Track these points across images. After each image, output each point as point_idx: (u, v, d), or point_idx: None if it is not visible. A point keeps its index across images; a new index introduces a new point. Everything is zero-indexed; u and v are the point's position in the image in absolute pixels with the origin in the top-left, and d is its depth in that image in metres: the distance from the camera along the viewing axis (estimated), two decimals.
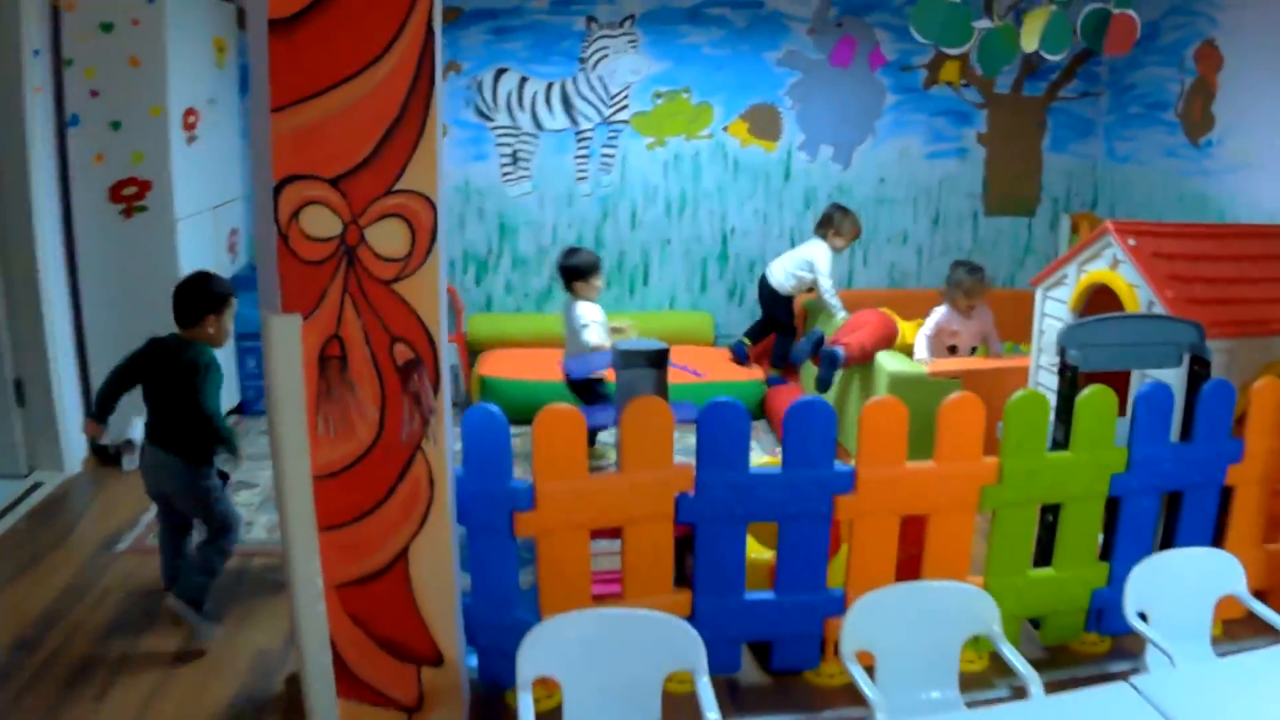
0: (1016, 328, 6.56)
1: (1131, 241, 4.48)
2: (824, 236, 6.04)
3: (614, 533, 3.10)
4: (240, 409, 5.79)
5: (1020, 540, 3.47)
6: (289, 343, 2.31)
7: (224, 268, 5.57)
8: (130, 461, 4.83)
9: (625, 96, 6.34)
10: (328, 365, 2.39)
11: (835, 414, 3.24)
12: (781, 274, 6.02)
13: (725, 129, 6.51)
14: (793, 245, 6.44)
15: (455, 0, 5.97)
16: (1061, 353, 3.95)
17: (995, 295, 6.34)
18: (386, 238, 2.36)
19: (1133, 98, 6.62)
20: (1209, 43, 5.84)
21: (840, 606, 3.24)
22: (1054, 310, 5.00)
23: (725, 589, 3.20)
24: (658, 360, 3.36)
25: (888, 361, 5.12)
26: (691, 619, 2.79)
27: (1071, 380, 3.83)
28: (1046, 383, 5.11)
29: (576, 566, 3.03)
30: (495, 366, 5.80)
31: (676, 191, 6.54)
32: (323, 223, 2.29)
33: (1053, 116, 6.92)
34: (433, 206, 2.40)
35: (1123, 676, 2.27)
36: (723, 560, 3.16)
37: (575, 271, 5.08)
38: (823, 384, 5.25)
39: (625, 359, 3.38)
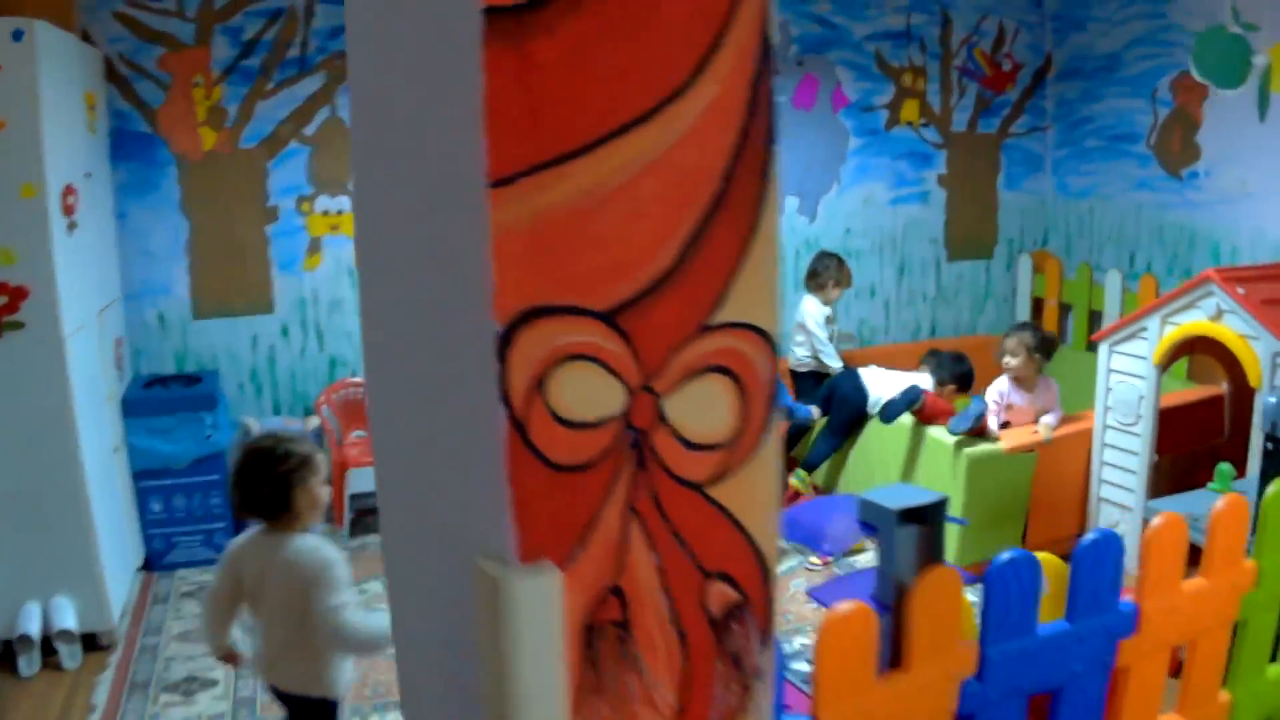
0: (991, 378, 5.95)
1: (1240, 290, 3.90)
2: (811, 290, 5.42)
3: None
4: (147, 564, 4.41)
5: (1264, 642, 2.92)
6: (540, 618, 1.20)
7: (113, 388, 4.21)
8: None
9: None
10: (599, 638, 1.28)
11: (1123, 545, 2.50)
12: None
13: None
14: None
15: None
16: (1272, 428, 3.25)
17: (965, 344, 5.81)
18: (698, 410, 1.26)
19: (1090, 131, 6.14)
20: (1188, 73, 5.37)
21: None
22: (1125, 366, 4.48)
23: None
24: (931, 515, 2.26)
25: (957, 443, 4.40)
26: None
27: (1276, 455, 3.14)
28: (1114, 442, 4.54)
29: None
30: None
31: None
32: (592, 393, 1.18)
33: (1005, 154, 6.35)
34: (771, 349, 1.33)
35: None
36: None
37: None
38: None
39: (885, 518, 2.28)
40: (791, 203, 5.88)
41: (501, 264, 1.12)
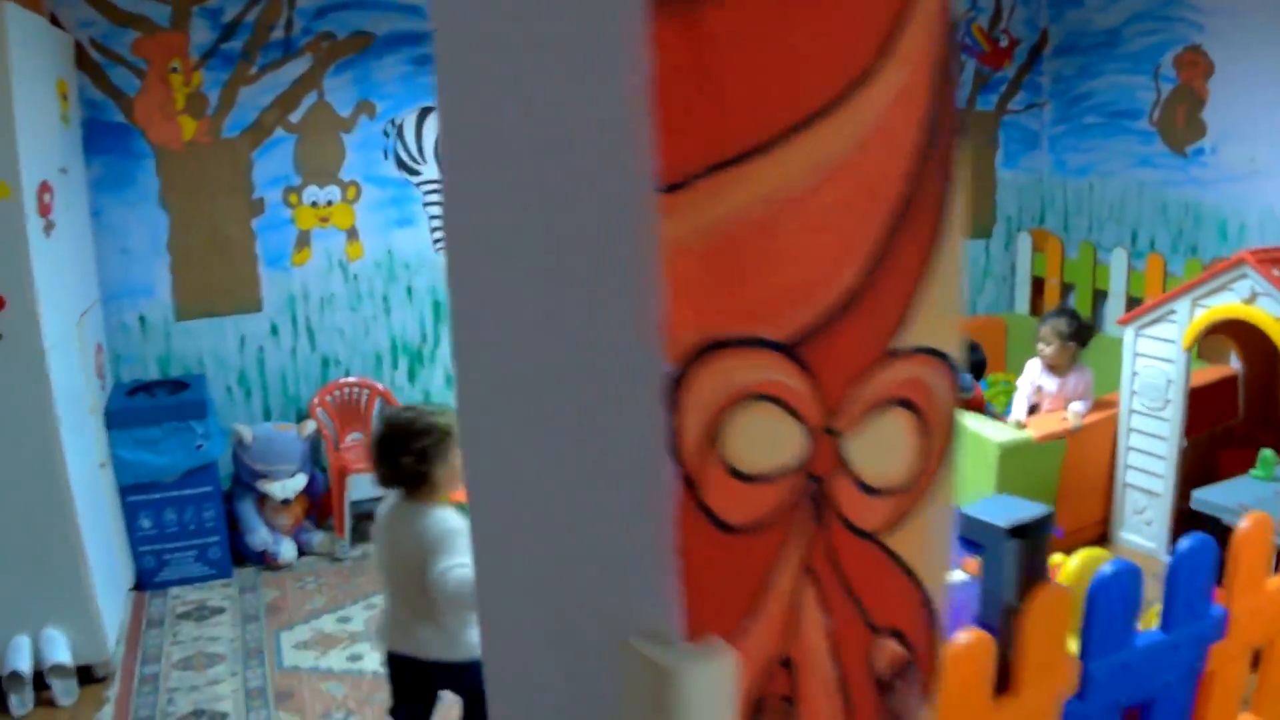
0: (995, 359, 5.79)
1: (1277, 272, 3.77)
2: None
3: None
4: (137, 584, 4.15)
5: None
6: (711, 707, 0.99)
7: (95, 399, 3.94)
8: None
9: None
10: (764, 717, 1.08)
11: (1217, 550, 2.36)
12: None
13: None
14: None
15: (364, 22, 4.54)
16: None
17: (966, 325, 5.63)
18: (879, 450, 1.04)
19: (1088, 108, 5.98)
20: (1194, 49, 5.29)
21: None
22: (1153, 350, 4.37)
23: None
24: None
25: (988, 429, 4.34)
26: None
27: None
28: (1140, 427, 4.46)
29: None
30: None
31: None
32: (771, 440, 0.96)
33: (1003, 131, 6.18)
34: (953, 376, 1.13)
35: None
36: None
37: None
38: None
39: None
40: None
41: (675, 288, 0.90)
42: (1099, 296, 6.00)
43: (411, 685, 2.59)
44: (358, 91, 4.56)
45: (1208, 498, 3.65)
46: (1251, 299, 4.01)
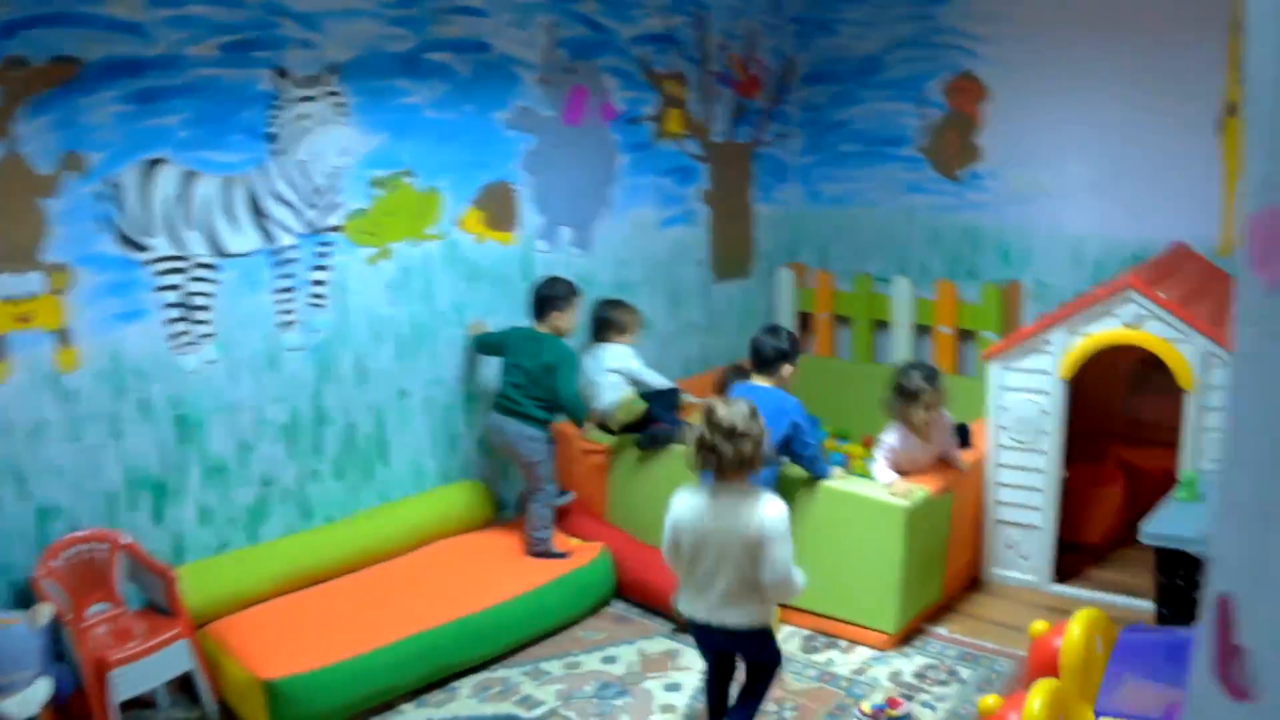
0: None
1: (1163, 294, 3.78)
2: (610, 340, 4.65)
3: None
4: None
5: None
6: None
7: None
8: None
9: (335, 190, 3.96)
10: None
11: None
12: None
13: (458, 222, 4.40)
14: None
15: (67, 45, 3.18)
16: None
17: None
18: None
19: (846, 136, 5.75)
20: (966, 75, 5.18)
21: None
22: (1024, 383, 4.10)
23: None
24: None
25: (876, 492, 3.85)
26: None
27: None
28: (1012, 462, 4.18)
29: None
30: (270, 654, 3.25)
31: (408, 319, 4.30)
32: None
33: (757, 163, 5.77)
34: None
35: None
36: None
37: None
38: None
39: None
40: (565, 233, 4.88)
41: None
42: (877, 328, 5.73)
43: (719, 651, 3.07)
44: (61, 139, 3.18)
45: (1161, 530, 3.31)
46: (1137, 323, 3.79)
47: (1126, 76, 4.75)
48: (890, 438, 3.92)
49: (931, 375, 3.96)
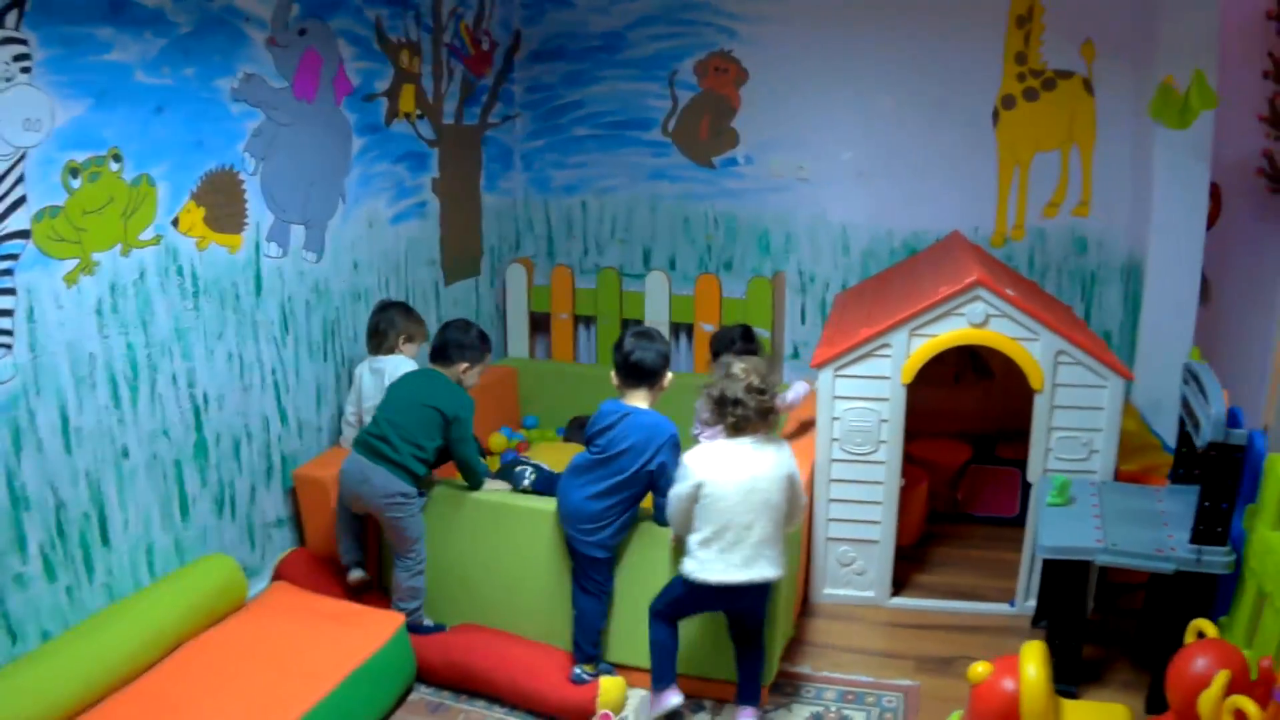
0: (507, 412, 4.71)
1: (1010, 291, 3.63)
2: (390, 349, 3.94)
3: None
4: None
5: None
6: None
7: None
8: None
9: (17, 177, 2.68)
10: None
11: None
12: None
13: (176, 222, 3.23)
14: (282, 394, 3.67)
15: None
16: (1226, 436, 2.94)
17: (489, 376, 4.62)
18: None
19: (579, 119, 5.14)
20: (722, 55, 4.76)
21: None
22: (857, 390, 3.74)
23: None
24: None
25: None
26: None
27: None
28: (844, 475, 3.81)
29: None
30: None
31: (123, 355, 3.09)
32: None
33: (486, 148, 4.99)
34: None
35: None
36: None
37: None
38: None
39: None
40: (298, 234, 3.80)
41: None
42: (629, 328, 5.15)
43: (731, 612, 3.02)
44: None
45: (1059, 543, 3.07)
46: (984, 322, 3.52)
47: (901, 63, 4.57)
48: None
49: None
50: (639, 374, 3.23)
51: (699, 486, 2.87)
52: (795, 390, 3.95)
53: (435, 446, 3.37)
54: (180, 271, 3.25)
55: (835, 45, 4.69)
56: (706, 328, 4.92)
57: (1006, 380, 4.10)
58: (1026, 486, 4.54)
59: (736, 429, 2.90)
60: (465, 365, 3.51)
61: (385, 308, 3.93)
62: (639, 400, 3.24)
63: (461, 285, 4.96)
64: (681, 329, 5.08)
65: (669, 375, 3.29)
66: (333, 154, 3.95)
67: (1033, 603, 3.75)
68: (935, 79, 4.62)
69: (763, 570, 2.89)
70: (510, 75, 5.13)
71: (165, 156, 3.14)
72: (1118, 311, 4.71)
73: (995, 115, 4.61)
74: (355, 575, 3.50)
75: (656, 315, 4.97)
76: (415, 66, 4.38)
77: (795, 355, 5.04)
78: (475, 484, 3.46)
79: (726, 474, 2.87)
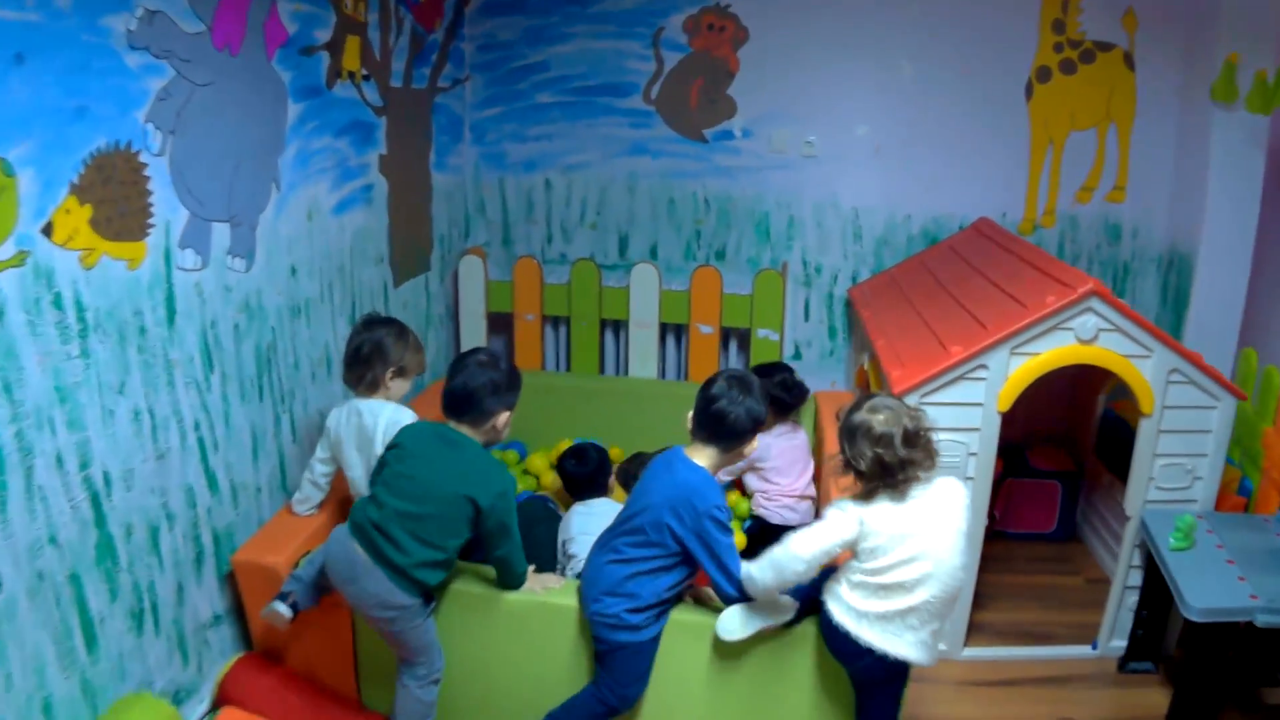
0: None
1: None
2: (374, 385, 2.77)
3: None
4: None
5: None
6: None
7: None
8: None
9: None
10: None
11: None
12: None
13: (49, 229, 2.03)
14: (209, 453, 2.54)
15: None
16: None
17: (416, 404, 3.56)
18: None
19: (542, 84, 4.10)
20: (716, 11, 3.78)
21: None
22: (943, 418, 2.78)
23: None
24: None
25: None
26: None
27: None
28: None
29: None
30: None
31: None
32: None
33: (436, 117, 3.88)
34: None
35: None
36: None
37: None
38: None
39: None
40: (221, 236, 2.62)
41: None
42: (612, 329, 4.13)
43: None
44: None
45: (1208, 604, 2.34)
46: (1094, 338, 2.71)
47: (925, 27, 3.72)
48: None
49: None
50: (714, 429, 2.27)
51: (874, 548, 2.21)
52: None
53: (460, 544, 2.31)
54: (58, 302, 2.06)
55: (850, 3, 3.77)
56: (705, 330, 3.95)
57: None
58: (1068, 501, 3.84)
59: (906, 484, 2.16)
60: (505, 413, 2.40)
61: (371, 325, 2.77)
62: (701, 458, 2.29)
63: (411, 284, 3.83)
64: (670, 331, 4.10)
65: (754, 445, 2.31)
66: (264, 124, 2.77)
67: (1118, 643, 3.10)
68: (963, 46, 3.78)
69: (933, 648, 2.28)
70: (460, 30, 3.97)
71: (31, 131, 1.94)
72: (1153, 304, 3.99)
73: (1029, 89, 3.79)
74: (280, 613, 2.37)
75: (645, 314, 3.96)
76: (360, 13, 3.20)
77: (797, 356, 4.14)
78: (514, 584, 2.42)
79: (900, 536, 2.16)
